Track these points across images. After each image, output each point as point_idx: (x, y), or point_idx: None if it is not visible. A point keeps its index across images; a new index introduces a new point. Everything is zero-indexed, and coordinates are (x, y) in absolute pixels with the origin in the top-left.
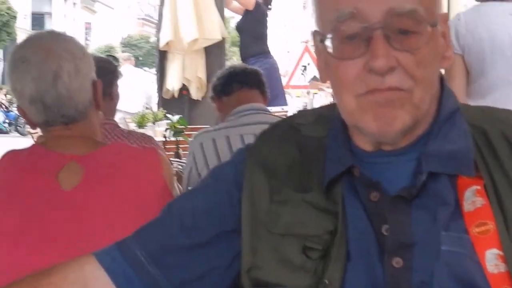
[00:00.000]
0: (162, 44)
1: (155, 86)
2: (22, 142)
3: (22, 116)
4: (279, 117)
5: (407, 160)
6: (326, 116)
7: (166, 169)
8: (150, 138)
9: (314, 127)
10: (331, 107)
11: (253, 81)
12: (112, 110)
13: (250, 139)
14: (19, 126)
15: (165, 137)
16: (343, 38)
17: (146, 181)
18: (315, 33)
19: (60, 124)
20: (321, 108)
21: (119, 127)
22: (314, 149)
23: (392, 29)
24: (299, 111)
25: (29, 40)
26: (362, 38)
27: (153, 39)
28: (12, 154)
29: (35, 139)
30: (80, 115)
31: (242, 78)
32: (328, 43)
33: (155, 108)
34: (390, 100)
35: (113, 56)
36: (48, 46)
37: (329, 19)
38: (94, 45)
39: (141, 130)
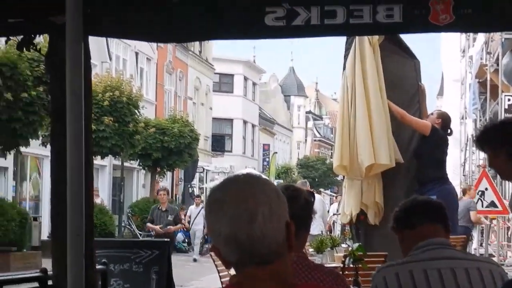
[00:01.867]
0: (335, 166)
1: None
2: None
3: (216, 255)
4: (463, 251)
5: None
6: None
7: None
8: (341, 278)
9: None
10: None
11: (436, 216)
12: (304, 243)
13: (434, 275)
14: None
15: (343, 263)
16: None
17: None
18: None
19: (254, 264)
20: None
21: (308, 260)
22: None
23: None
24: None
25: (225, 183)
26: None
27: (329, 160)
28: None
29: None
30: (273, 256)
31: (426, 212)
32: None
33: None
34: None
35: (311, 192)
36: (244, 188)
37: None
38: (272, 166)
39: (319, 256)
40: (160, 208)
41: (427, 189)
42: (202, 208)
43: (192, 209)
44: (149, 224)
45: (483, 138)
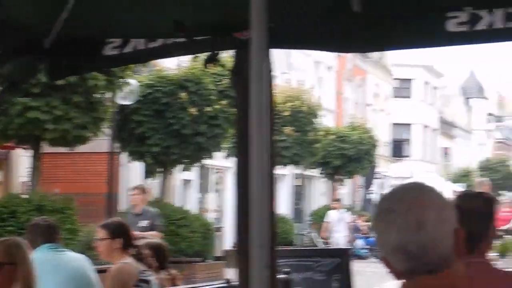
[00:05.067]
0: None
1: None
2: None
3: (386, 265)
4: None
5: None
6: None
7: None
8: None
9: None
10: None
11: None
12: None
13: None
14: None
15: None
16: None
17: None
18: None
19: (425, 273)
20: None
21: (489, 265)
22: None
23: None
24: None
25: (394, 192)
26: None
27: (510, 162)
28: None
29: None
30: (444, 263)
31: None
32: None
33: None
34: None
35: (493, 198)
36: (412, 196)
37: None
38: (453, 169)
39: (503, 260)
40: (133, 211)
41: None
42: (343, 213)
43: (332, 214)
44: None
45: None
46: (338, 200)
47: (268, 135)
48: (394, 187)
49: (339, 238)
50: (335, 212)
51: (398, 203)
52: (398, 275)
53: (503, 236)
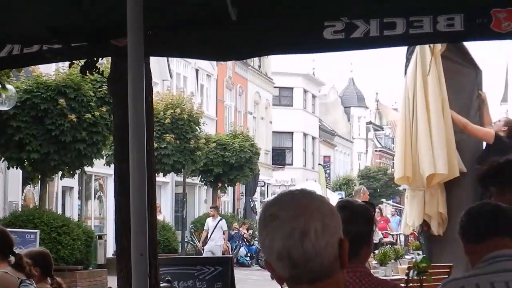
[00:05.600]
0: (397, 178)
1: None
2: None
3: (269, 271)
4: None
5: None
6: None
7: None
8: None
9: None
10: None
11: (507, 227)
12: (366, 258)
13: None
14: (260, 260)
15: (407, 275)
16: None
17: None
18: None
19: (306, 281)
20: None
21: (371, 275)
22: None
23: None
24: None
25: (279, 198)
26: None
27: (390, 171)
28: None
29: None
30: (325, 273)
31: (496, 224)
32: None
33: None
34: None
35: (371, 203)
36: (297, 204)
37: None
38: (333, 177)
39: (382, 268)
40: None
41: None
42: (220, 220)
43: (209, 222)
44: None
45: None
46: (215, 207)
47: (147, 143)
48: (281, 193)
49: (215, 246)
50: (211, 219)
51: (283, 210)
52: (281, 280)
53: (383, 244)
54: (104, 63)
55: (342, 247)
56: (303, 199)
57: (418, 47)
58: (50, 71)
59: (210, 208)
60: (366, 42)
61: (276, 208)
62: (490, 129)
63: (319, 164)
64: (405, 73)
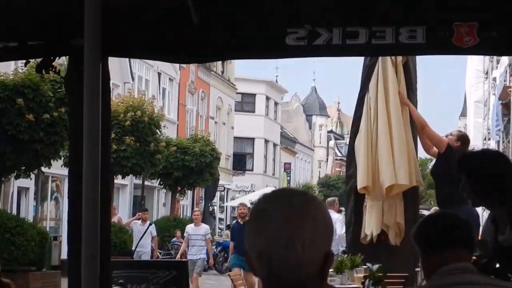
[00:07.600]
0: (359, 187)
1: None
2: (220, 279)
3: (248, 263)
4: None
5: None
6: None
7: None
8: None
9: None
10: None
11: (463, 240)
12: None
13: None
14: (217, 264)
15: (363, 284)
16: None
17: None
18: None
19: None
20: None
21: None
22: None
23: None
24: None
25: (278, 194)
26: None
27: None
28: None
29: None
30: (303, 285)
31: (452, 236)
32: None
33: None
34: None
35: (340, 211)
36: (293, 208)
37: None
38: (293, 184)
39: (338, 276)
40: None
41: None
42: (150, 225)
43: (138, 226)
44: None
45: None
46: (145, 210)
47: (104, 144)
48: (283, 188)
49: (144, 253)
50: (139, 223)
51: (277, 209)
52: (257, 276)
53: (340, 253)
54: (65, 63)
55: (327, 261)
56: (301, 204)
57: (380, 58)
58: (9, 70)
59: (140, 211)
60: (328, 50)
61: (270, 204)
62: (444, 138)
63: (284, 171)
64: (362, 82)
